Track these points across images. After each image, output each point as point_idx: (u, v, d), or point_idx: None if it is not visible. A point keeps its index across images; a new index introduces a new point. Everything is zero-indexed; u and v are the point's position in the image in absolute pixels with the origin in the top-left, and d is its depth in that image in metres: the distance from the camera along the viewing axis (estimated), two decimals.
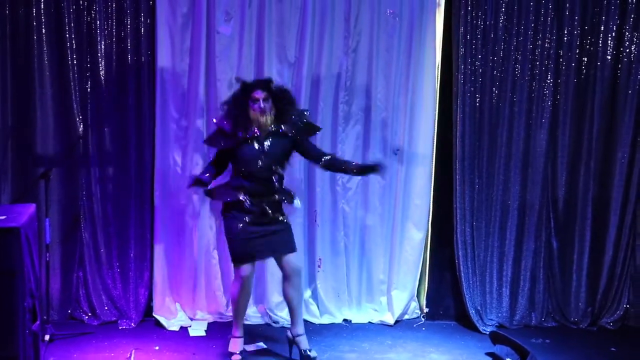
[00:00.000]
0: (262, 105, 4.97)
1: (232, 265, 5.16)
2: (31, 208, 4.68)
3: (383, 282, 6.08)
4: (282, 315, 5.87)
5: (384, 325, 6.00)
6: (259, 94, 4.98)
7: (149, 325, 5.76)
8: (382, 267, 6.07)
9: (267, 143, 5.02)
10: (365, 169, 5.15)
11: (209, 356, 5.21)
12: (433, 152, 6.00)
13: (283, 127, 5.05)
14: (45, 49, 5.51)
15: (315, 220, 5.95)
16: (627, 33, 5.86)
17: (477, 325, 5.92)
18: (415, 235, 6.03)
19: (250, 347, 5.34)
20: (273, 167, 5.04)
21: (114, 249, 5.75)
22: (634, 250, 6.14)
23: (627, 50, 5.88)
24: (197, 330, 5.70)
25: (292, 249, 5.13)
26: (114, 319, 5.77)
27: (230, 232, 5.05)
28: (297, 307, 5.18)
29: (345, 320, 6.03)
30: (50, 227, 5.38)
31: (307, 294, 6.00)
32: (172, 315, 5.80)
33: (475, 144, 5.88)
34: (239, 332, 5.19)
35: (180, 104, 5.73)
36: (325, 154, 5.16)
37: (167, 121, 5.71)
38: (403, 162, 5.94)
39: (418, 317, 6.16)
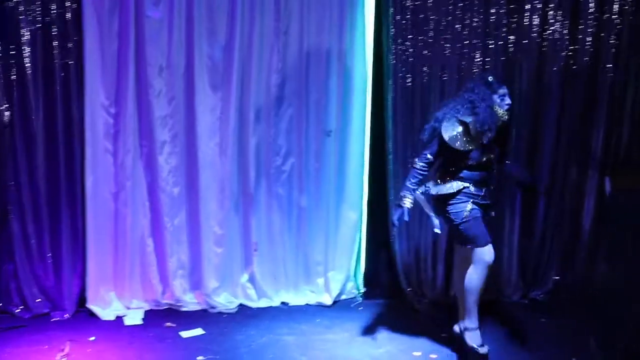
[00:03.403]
0: (508, 101, 4.79)
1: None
2: None
3: (320, 264, 6.12)
4: (220, 301, 5.87)
5: (321, 306, 6.04)
6: (505, 89, 4.79)
7: (83, 316, 5.68)
8: (318, 248, 6.10)
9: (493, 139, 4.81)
10: (527, 187, 5.15)
11: (145, 344, 5.17)
12: (366, 133, 6.04)
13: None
14: None
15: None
16: (551, 12, 5.96)
17: (413, 302, 6.00)
18: (351, 216, 6.09)
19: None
20: (494, 161, 4.90)
21: (45, 239, 5.62)
22: (561, 225, 6.30)
23: (552, 29, 5.99)
24: (133, 319, 5.64)
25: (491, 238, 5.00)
26: (47, 310, 5.67)
27: (460, 215, 4.80)
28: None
29: (282, 302, 6.05)
30: None
31: (244, 278, 6.01)
32: (107, 305, 5.72)
33: (408, 124, 5.91)
34: (477, 321, 4.94)
35: (110, 90, 5.62)
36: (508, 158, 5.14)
37: (96, 108, 5.59)
38: (336, 143, 5.97)
39: (355, 297, 6.22)
